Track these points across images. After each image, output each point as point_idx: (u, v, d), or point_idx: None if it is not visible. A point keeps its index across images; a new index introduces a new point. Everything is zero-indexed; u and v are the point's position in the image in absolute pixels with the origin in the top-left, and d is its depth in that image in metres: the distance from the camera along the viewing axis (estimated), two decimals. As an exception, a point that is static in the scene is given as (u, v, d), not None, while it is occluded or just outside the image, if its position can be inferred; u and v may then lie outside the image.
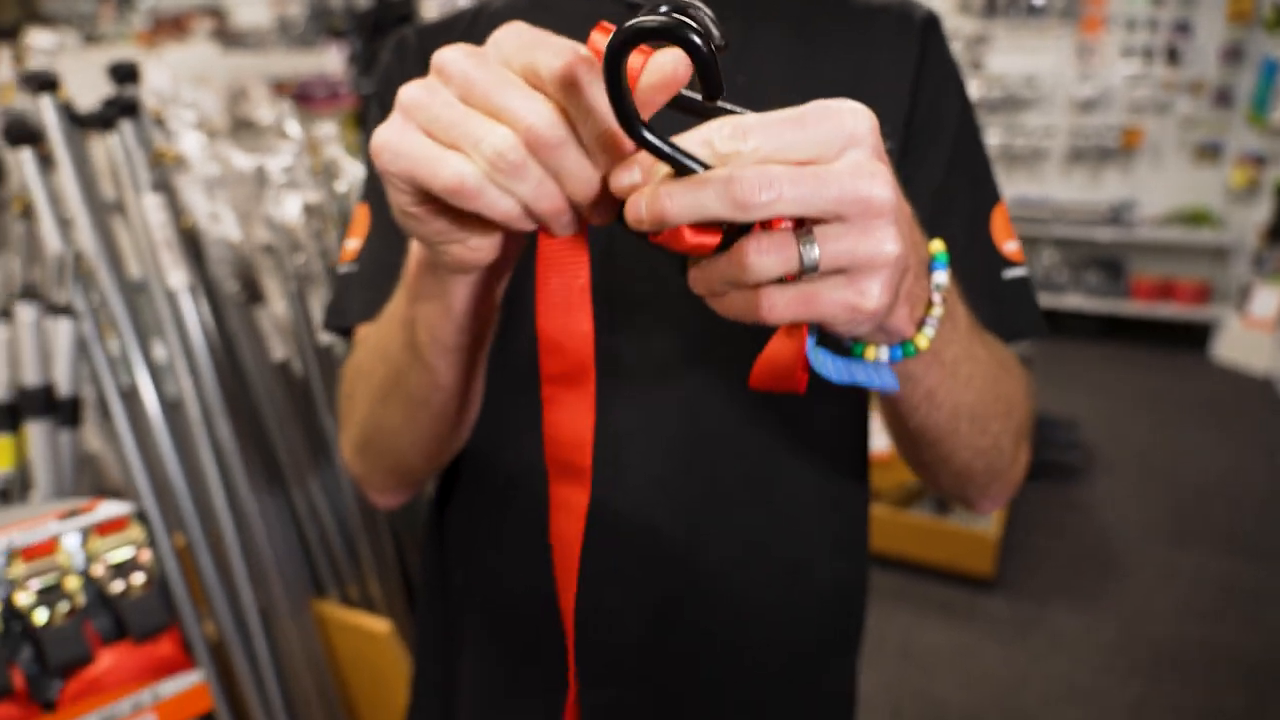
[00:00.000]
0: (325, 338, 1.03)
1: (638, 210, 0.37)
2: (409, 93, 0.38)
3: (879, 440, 3.06)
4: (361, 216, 0.70)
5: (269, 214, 0.99)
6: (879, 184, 0.37)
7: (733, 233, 0.38)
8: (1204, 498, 3.29)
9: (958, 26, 5.36)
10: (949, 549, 2.73)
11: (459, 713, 0.80)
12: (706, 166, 0.37)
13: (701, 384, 0.65)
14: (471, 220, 0.40)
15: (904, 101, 0.66)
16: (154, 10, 8.24)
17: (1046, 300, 5.20)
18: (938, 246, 0.47)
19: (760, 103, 0.64)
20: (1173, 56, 4.90)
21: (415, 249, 0.48)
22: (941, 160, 0.66)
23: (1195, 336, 4.99)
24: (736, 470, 0.67)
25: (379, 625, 1.05)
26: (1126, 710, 2.22)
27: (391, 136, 0.37)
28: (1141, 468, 3.55)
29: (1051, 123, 5.29)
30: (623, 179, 0.38)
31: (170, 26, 8.08)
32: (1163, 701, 2.25)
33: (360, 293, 0.67)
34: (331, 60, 4.84)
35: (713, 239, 0.38)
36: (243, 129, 2.10)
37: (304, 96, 4.63)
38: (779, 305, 0.38)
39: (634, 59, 0.36)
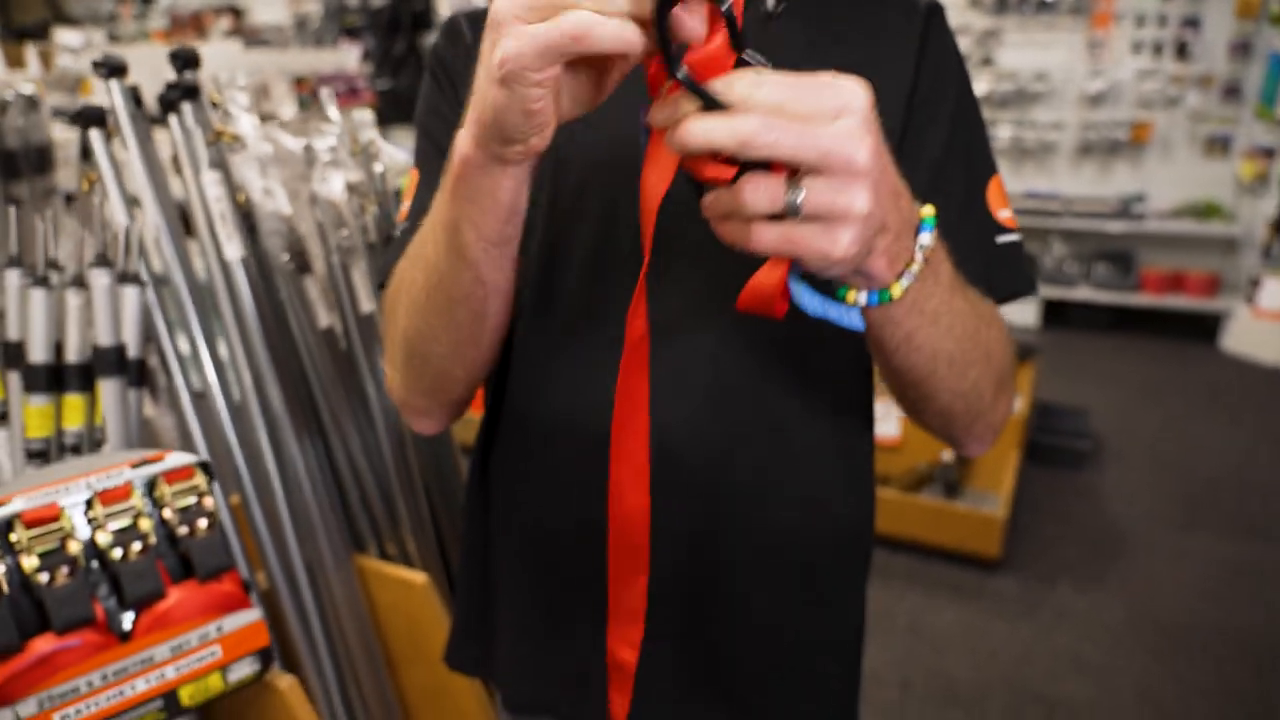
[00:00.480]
0: (367, 306, 1.09)
1: (671, 136, 0.44)
2: (501, 6, 0.45)
3: (889, 426, 3.11)
4: (411, 180, 0.77)
5: (315, 191, 1.06)
6: (862, 149, 0.44)
7: (741, 171, 0.44)
8: (1212, 485, 3.33)
9: (969, 22, 5.40)
10: (957, 531, 2.78)
11: (496, 649, 0.87)
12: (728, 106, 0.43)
13: (726, 340, 0.71)
14: (551, 108, 0.48)
15: (907, 82, 0.71)
16: (171, 8, 8.36)
17: (1056, 292, 5.24)
18: (928, 211, 0.53)
19: None
20: (1182, 51, 4.93)
21: (462, 151, 0.53)
22: (941, 136, 0.72)
23: (1205, 328, 5.01)
24: (756, 417, 0.73)
25: (416, 577, 1.11)
26: (1133, 686, 2.27)
27: (510, 42, 0.44)
28: (1151, 456, 3.60)
29: (1061, 117, 5.33)
30: (659, 116, 0.46)
31: (189, 25, 8.20)
32: (1170, 677, 2.30)
33: (406, 240, 0.73)
34: (348, 57, 4.93)
35: (727, 173, 0.45)
36: (266, 123, 2.17)
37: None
38: (764, 238, 0.45)
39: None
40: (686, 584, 0.75)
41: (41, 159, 1.41)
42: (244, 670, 0.88)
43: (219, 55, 4.33)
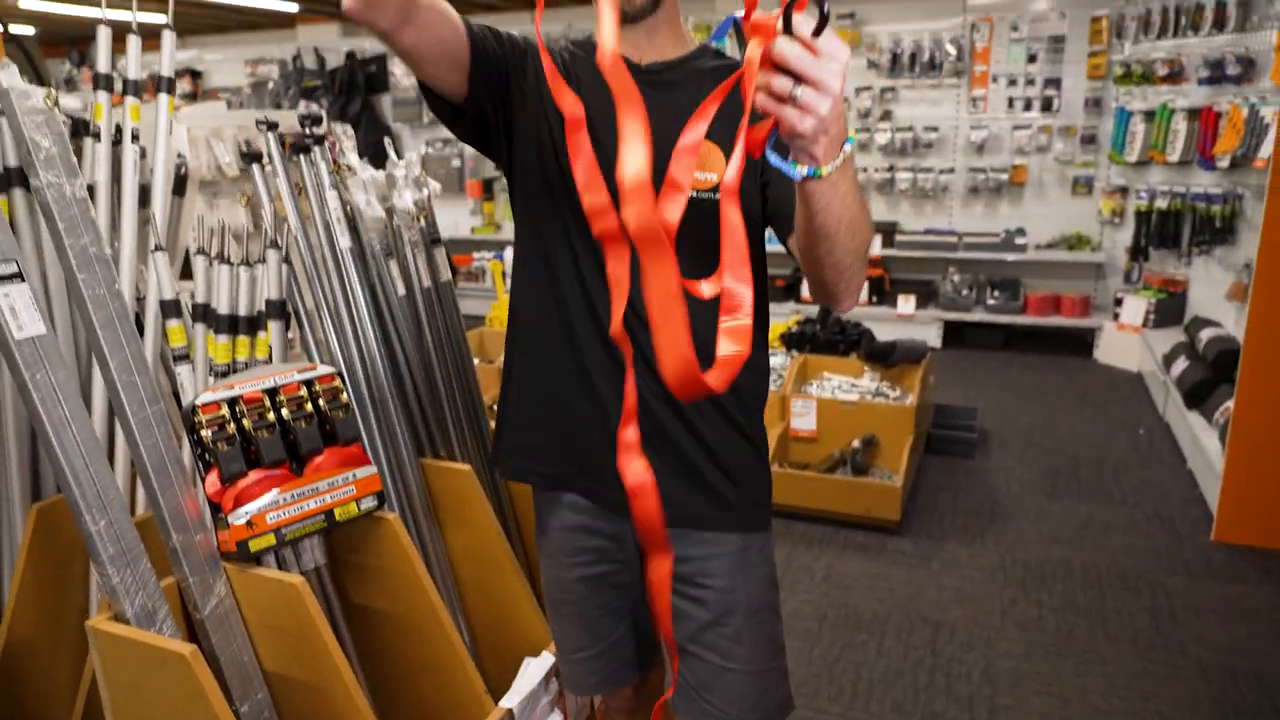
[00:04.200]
0: (427, 282, 1.60)
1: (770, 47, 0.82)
2: None
3: (809, 421, 3.66)
4: None
5: (394, 204, 1.56)
6: (838, 81, 0.80)
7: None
8: (1075, 463, 3.98)
9: (870, 81, 6.16)
10: (864, 501, 3.34)
11: (533, 458, 1.33)
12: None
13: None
14: None
15: None
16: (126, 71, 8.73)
17: (955, 315, 5.93)
18: (850, 133, 1.01)
19: None
20: (1047, 106, 5.75)
21: None
22: None
23: (1083, 342, 5.76)
24: (708, 318, 1.22)
25: (463, 466, 1.61)
26: (1001, 609, 2.84)
27: None
28: (1027, 442, 4.24)
29: (952, 163, 6.09)
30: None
31: (147, 87, 8.58)
32: (1030, 601, 2.87)
33: None
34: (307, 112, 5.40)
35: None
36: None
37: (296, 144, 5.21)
38: (772, 106, 0.78)
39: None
40: (665, 416, 1.22)
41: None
42: (369, 503, 1.36)
43: (205, 114, 4.79)
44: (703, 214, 1.12)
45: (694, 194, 1.12)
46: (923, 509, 3.55)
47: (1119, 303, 5.46)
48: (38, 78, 8.61)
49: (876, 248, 6.04)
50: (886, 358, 3.85)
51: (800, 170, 0.85)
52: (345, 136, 1.51)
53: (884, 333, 4.34)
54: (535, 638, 1.62)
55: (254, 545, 1.23)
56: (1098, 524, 3.39)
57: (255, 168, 1.45)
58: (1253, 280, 3.06)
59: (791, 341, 4.13)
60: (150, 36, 1.52)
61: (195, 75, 8.30)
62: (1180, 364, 4.23)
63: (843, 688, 2.47)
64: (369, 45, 7.68)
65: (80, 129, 1.61)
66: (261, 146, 1.46)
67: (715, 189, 1.15)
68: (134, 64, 1.54)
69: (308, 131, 1.47)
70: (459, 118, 1.18)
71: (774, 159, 0.86)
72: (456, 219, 7.48)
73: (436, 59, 1.09)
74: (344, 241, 1.48)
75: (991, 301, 5.89)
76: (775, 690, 1.36)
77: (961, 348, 5.94)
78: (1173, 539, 3.27)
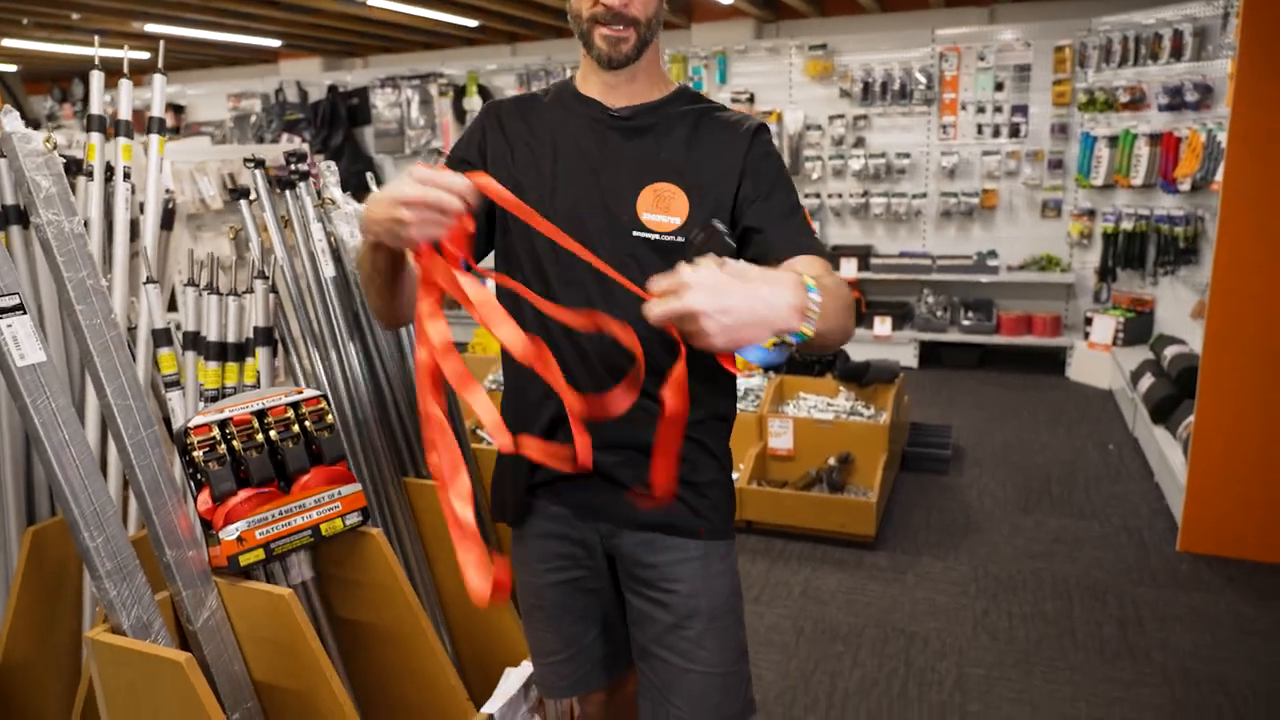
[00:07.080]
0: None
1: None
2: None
3: (786, 440, 3.74)
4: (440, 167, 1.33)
5: (376, 235, 1.65)
6: (693, 301, 0.92)
7: None
8: (1047, 479, 4.07)
9: (843, 110, 6.31)
10: (839, 517, 3.42)
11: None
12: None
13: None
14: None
15: (739, 167, 1.32)
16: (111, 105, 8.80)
17: (930, 336, 6.04)
18: (810, 280, 1.05)
19: (672, 164, 1.29)
20: (1015, 132, 5.91)
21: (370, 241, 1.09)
22: (765, 191, 1.31)
23: (1055, 361, 5.88)
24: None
25: (445, 485, 1.68)
26: (973, 618, 2.91)
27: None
28: (1000, 459, 4.34)
29: (924, 188, 6.24)
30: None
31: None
32: (1001, 612, 2.95)
33: None
34: (301, 149, 5.49)
35: None
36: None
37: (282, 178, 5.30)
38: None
39: None
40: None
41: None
42: (354, 519, 1.43)
43: (190, 149, 4.88)
44: (663, 255, 1.24)
45: (655, 236, 1.23)
46: (898, 524, 3.63)
47: (1089, 322, 5.59)
48: (21, 114, 8.68)
49: (852, 271, 6.16)
50: (860, 377, 3.95)
51: (788, 346, 0.99)
52: (329, 171, 1.60)
53: (861, 354, 4.44)
54: (516, 649, 1.68)
55: (244, 560, 1.30)
56: (1068, 538, 3.48)
57: (243, 203, 1.53)
58: (1208, 299, 3.18)
59: (768, 363, 4.22)
60: (137, 72, 1.60)
61: (178, 110, 8.38)
62: (1146, 381, 4.34)
63: (818, 698, 2.53)
64: (351, 79, 7.79)
65: (73, 167, 1.68)
66: (249, 182, 1.54)
67: (675, 232, 1.25)
68: (125, 106, 1.62)
69: (292, 167, 1.56)
70: None
71: (752, 357, 0.98)
72: (439, 248, 7.55)
73: None
74: (328, 271, 1.56)
75: (966, 322, 6.01)
76: (737, 693, 1.42)
77: (938, 367, 6.05)
78: (1140, 550, 3.36)
